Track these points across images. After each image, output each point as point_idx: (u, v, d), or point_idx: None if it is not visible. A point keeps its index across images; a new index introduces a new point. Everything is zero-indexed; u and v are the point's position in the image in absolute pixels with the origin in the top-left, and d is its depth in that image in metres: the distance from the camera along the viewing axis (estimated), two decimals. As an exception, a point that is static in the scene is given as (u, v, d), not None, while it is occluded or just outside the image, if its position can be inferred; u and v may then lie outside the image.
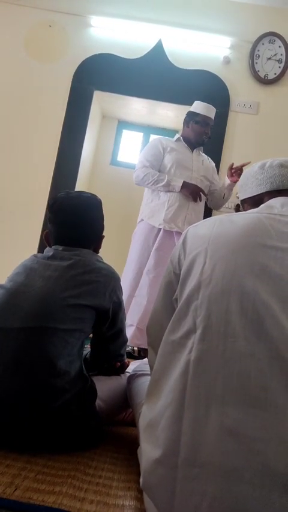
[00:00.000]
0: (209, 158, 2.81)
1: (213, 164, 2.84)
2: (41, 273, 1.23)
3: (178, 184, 2.53)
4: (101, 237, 1.44)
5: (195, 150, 2.70)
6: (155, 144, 2.69)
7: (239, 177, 2.60)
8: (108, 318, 1.29)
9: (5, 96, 3.36)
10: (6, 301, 1.20)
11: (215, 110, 2.70)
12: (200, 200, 2.58)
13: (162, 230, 2.55)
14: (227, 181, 2.67)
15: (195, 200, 2.55)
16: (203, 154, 2.77)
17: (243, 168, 2.60)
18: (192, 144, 2.69)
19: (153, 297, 2.41)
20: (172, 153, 2.63)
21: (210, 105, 2.68)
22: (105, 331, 1.32)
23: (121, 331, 1.37)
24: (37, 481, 0.94)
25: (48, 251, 1.33)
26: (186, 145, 2.69)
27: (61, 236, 1.35)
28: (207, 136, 2.68)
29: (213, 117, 2.68)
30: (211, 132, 2.71)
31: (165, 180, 2.54)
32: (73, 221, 1.34)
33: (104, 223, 1.43)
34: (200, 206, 2.64)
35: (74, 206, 1.35)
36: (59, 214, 1.34)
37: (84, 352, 1.38)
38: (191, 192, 2.53)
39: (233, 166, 2.62)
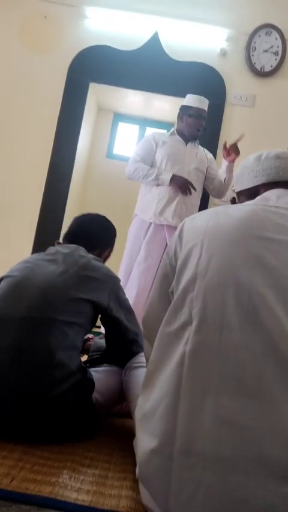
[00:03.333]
0: (206, 150, 2.79)
1: (211, 156, 2.81)
2: (45, 267, 1.29)
3: (167, 177, 2.53)
4: (98, 247, 1.51)
5: (189, 143, 2.68)
6: (148, 139, 2.71)
7: (236, 154, 2.58)
8: (107, 315, 1.33)
9: (-1, 88, 3.33)
10: (9, 292, 1.24)
11: (207, 101, 2.68)
12: (190, 193, 2.56)
13: (153, 224, 2.57)
14: (225, 163, 2.64)
15: (184, 193, 2.53)
16: (200, 147, 2.75)
17: (238, 143, 2.58)
18: (186, 137, 2.68)
19: (142, 288, 2.46)
20: (164, 146, 2.64)
21: (203, 97, 2.67)
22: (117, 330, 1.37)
23: (128, 328, 1.39)
24: (34, 471, 0.94)
25: (51, 249, 1.41)
26: (180, 138, 2.68)
27: (65, 236, 1.53)
28: (201, 129, 2.67)
29: (206, 109, 2.67)
30: (206, 124, 2.70)
31: (154, 174, 2.55)
32: (78, 223, 1.55)
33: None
34: (192, 199, 2.62)
35: (86, 216, 1.57)
36: (73, 220, 1.57)
37: None
38: (181, 185, 2.52)
39: (227, 145, 2.60)
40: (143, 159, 2.64)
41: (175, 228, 2.45)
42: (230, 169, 2.65)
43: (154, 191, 2.60)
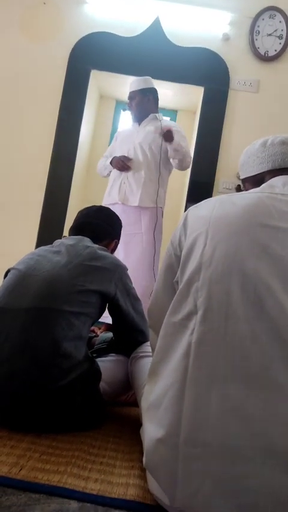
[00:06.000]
0: (167, 122, 2.69)
1: (166, 124, 2.60)
2: (50, 259, 1.29)
3: (108, 162, 2.66)
4: (104, 238, 1.52)
5: (143, 122, 2.67)
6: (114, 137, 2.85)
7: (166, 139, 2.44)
8: (114, 304, 1.34)
9: None
10: (16, 284, 1.25)
11: (138, 79, 2.65)
12: (127, 168, 2.54)
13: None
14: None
15: (121, 170, 2.58)
16: (159, 122, 2.62)
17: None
18: (137, 119, 2.70)
19: None
20: (120, 136, 2.75)
21: (135, 78, 2.67)
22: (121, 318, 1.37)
23: (135, 318, 1.40)
24: (42, 461, 0.95)
25: (57, 242, 1.42)
26: (133, 123, 2.73)
27: (71, 229, 1.53)
28: (132, 108, 2.67)
29: (135, 88, 2.63)
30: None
31: (103, 164, 2.72)
32: (83, 215, 1.56)
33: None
34: (137, 173, 2.55)
35: (91, 208, 1.59)
36: (78, 213, 1.58)
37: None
38: (115, 165, 2.60)
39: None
40: (107, 156, 2.78)
41: (122, 204, 2.53)
42: (172, 148, 2.49)
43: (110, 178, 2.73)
